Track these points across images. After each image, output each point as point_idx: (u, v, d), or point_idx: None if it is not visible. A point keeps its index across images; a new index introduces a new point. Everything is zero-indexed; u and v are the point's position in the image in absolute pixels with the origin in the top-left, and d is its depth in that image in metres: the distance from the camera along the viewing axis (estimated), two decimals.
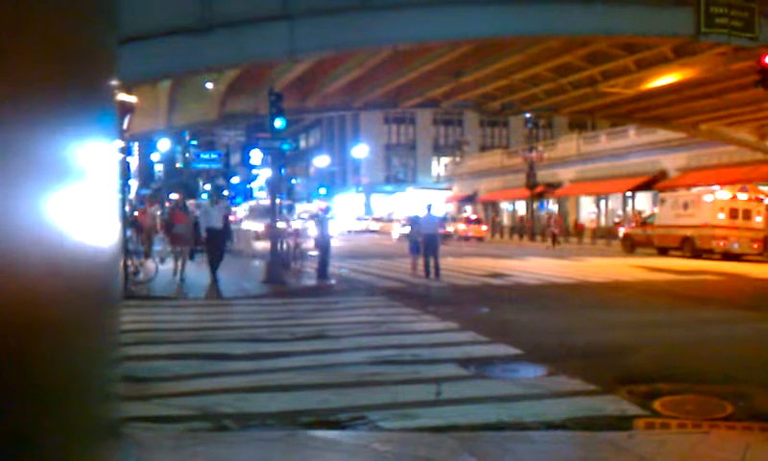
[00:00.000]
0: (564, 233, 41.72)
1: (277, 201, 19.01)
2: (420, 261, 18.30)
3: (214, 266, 15.58)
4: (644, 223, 31.23)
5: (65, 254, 1.87)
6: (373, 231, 56.42)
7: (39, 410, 1.62)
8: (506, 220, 56.03)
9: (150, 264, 16.43)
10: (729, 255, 26.63)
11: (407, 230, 22.06)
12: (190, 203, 31.99)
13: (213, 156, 44.31)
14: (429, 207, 19.65)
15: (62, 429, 1.83)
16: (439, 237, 18.95)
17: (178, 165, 64.23)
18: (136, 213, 24.78)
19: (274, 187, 19.05)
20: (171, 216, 16.85)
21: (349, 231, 53.84)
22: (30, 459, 1.56)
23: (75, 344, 1.98)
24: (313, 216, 39.74)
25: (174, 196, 50.25)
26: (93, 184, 2.23)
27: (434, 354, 8.26)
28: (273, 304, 13.06)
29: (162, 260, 16.98)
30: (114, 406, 2.78)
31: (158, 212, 28.02)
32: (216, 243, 15.73)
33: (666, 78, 26.01)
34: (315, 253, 17.75)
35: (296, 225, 26.59)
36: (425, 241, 18.13)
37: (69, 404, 1.92)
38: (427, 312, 12.02)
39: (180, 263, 15.82)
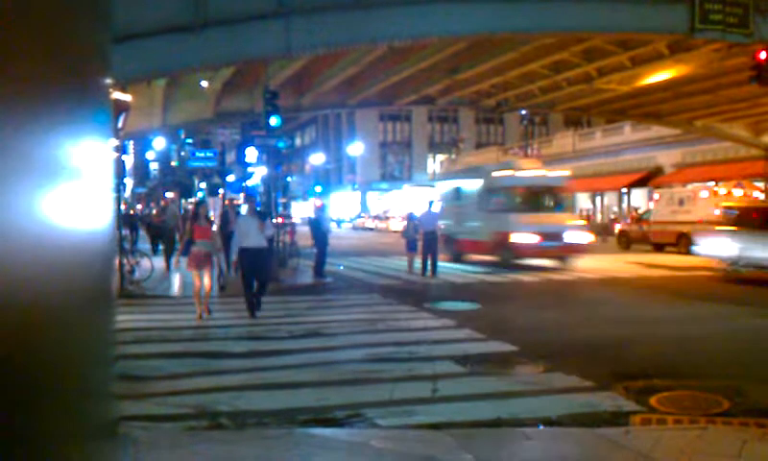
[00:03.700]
0: None
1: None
2: (418, 258, 18.27)
3: (251, 298, 11.10)
4: (640, 219, 31.24)
5: (59, 253, 1.86)
6: (370, 229, 56.38)
7: (34, 410, 1.62)
8: None
9: (146, 263, 16.34)
10: None
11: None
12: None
13: (209, 154, 44.18)
14: (430, 204, 19.57)
15: (58, 429, 1.83)
16: (437, 235, 18.91)
17: (173, 163, 64.15)
18: (155, 212, 23.30)
19: (269, 185, 19.02)
20: (191, 231, 11.46)
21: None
22: (25, 459, 1.56)
23: (70, 343, 1.98)
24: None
25: (170, 194, 50.03)
26: (88, 183, 2.22)
27: (431, 352, 8.27)
28: (269, 302, 13.02)
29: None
30: (111, 405, 2.78)
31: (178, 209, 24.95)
32: (256, 268, 11.15)
33: (661, 74, 26.04)
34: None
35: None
36: (424, 238, 18.08)
37: (65, 404, 1.92)
38: (424, 309, 12.03)
39: (204, 294, 11.09)
